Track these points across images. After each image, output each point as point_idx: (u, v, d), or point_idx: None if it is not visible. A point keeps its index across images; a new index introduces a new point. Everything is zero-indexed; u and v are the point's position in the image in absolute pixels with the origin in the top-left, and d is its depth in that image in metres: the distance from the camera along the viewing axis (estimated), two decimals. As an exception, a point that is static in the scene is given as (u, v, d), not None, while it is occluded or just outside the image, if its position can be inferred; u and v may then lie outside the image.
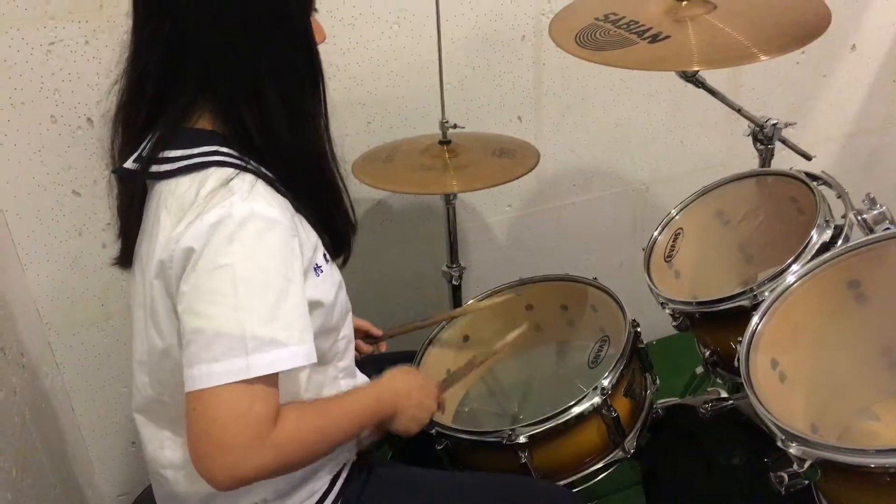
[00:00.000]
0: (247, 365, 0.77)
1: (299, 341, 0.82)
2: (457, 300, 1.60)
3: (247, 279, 0.79)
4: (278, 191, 0.88)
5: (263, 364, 0.78)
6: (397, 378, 1.05)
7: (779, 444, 0.86)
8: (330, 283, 0.96)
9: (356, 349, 1.29)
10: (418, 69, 1.63)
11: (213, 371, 0.77)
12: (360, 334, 1.31)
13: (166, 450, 0.97)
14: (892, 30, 2.07)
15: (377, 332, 1.32)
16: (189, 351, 0.79)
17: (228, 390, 0.77)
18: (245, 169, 0.86)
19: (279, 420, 0.80)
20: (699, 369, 1.58)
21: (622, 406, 1.17)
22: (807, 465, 0.85)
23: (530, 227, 1.93)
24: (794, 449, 0.85)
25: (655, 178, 1.99)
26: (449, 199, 1.51)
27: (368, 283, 1.79)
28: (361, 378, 1.12)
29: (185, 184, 0.85)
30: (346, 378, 1.07)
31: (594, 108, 1.84)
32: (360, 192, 1.63)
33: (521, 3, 1.67)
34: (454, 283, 1.57)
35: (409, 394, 1.04)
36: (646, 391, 1.26)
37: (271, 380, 0.80)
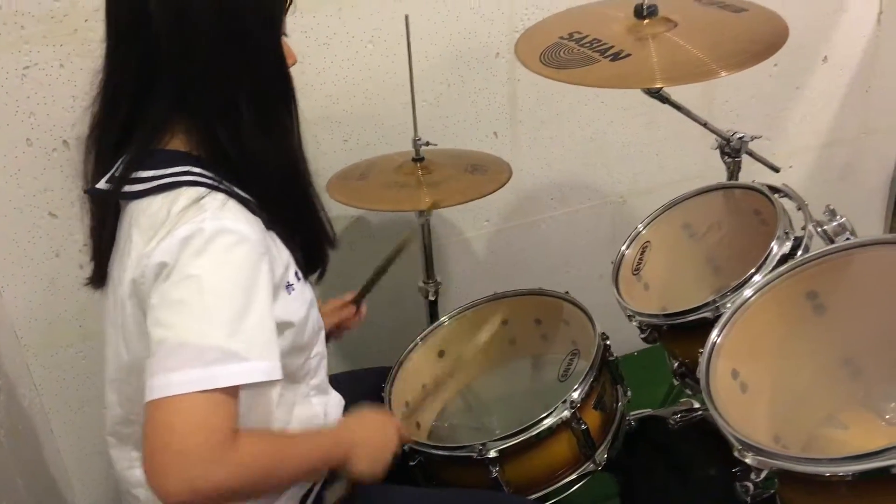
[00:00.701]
0: (206, 376, 0.77)
1: (260, 357, 0.82)
2: (433, 315, 1.61)
3: (213, 291, 0.80)
4: (252, 210, 0.89)
5: (223, 376, 0.78)
6: (355, 422, 1.04)
7: (735, 453, 0.88)
8: (301, 300, 0.97)
9: (344, 327, 1.32)
10: (393, 87, 1.65)
11: (171, 381, 0.77)
12: (336, 315, 1.32)
13: (136, 469, 0.98)
14: (863, 41, 2.10)
15: (348, 302, 1.33)
16: (151, 361, 0.79)
17: (187, 400, 0.77)
18: (217, 188, 0.87)
19: (238, 440, 0.80)
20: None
21: (592, 418, 1.18)
22: (763, 474, 0.86)
23: (509, 241, 1.94)
24: (749, 459, 0.86)
25: (632, 191, 2.01)
26: (423, 216, 1.53)
27: (348, 298, 1.80)
28: (334, 395, 1.13)
29: (156, 203, 0.86)
30: (318, 395, 1.07)
31: (569, 123, 1.86)
32: (338, 209, 1.64)
33: (495, 21, 1.69)
34: (430, 298, 1.59)
35: (367, 438, 1.01)
36: (617, 403, 1.27)
37: (231, 393, 0.80)
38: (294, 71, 0.95)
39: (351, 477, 1.02)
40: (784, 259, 1.09)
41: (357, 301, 1.35)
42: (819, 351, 1.07)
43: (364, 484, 1.03)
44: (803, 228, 1.12)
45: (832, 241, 1.09)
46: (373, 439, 1.02)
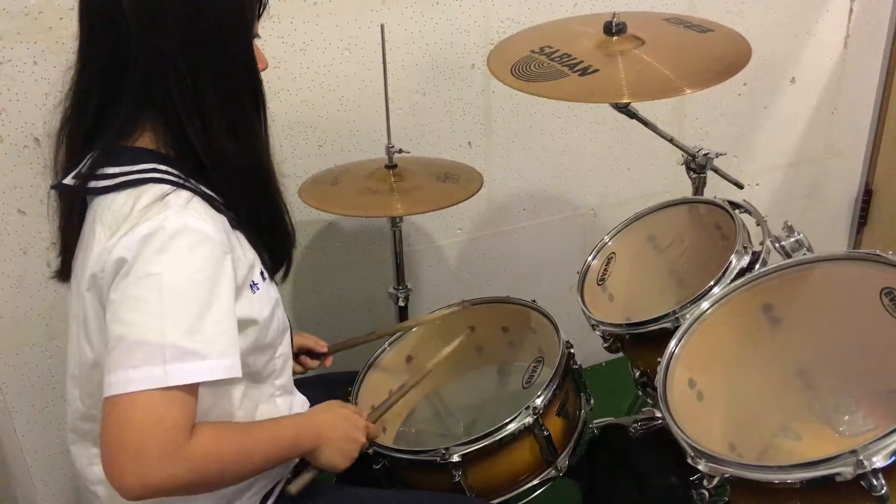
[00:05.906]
0: (164, 373, 0.78)
1: (220, 355, 0.83)
2: (403, 321, 1.62)
3: (173, 289, 0.81)
4: (217, 209, 0.91)
5: (181, 374, 0.79)
6: (323, 411, 1.06)
7: (688, 460, 0.90)
8: (266, 299, 0.98)
9: (302, 365, 1.31)
10: (369, 95, 1.66)
11: (130, 377, 0.78)
12: (305, 350, 1.32)
13: (95, 466, 0.97)
14: (830, 64, 2.16)
15: (322, 347, 1.33)
16: (110, 357, 0.80)
17: (145, 397, 0.78)
18: (182, 186, 0.88)
19: (196, 433, 0.81)
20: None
21: (555, 425, 1.20)
22: (715, 481, 0.88)
23: (481, 249, 1.96)
24: (702, 465, 0.88)
25: (603, 204, 2.05)
26: (395, 222, 1.54)
27: (321, 303, 1.81)
28: (299, 396, 1.13)
29: (121, 199, 0.87)
30: (282, 396, 1.08)
31: (542, 135, 1.89)
32: (312, 214, 1.65)
33: (471, 32, 1.72)
34: (400, 304, 1.60)
35: (334, 426, 1.04)
36: (579, 410, 1.29)
37: (190, 390, 0.81)
38: (270, 75, 0.97)
39: (316, 465, 1.04)
40: (742, 272, 1.12)
41: (332, 352, 1.35)
42: (774, 362, 1.10)
43: (330, 472, 1.04)
44: (761, 243, 1.15)
45: (789, 256, 1.13)
46: (340, 431, 1.04)
